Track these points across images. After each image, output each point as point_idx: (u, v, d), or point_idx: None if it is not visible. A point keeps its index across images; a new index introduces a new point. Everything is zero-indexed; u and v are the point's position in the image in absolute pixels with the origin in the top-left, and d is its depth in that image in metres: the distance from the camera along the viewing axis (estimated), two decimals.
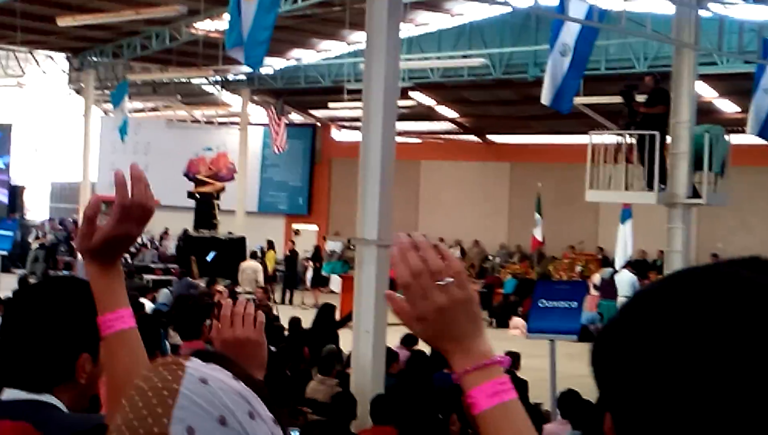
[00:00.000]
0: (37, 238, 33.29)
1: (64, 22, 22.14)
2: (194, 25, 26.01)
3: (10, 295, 2.76)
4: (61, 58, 32.36)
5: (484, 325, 1.69)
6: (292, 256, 29.77)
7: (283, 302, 27.06)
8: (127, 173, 2.19)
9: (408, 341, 13.62)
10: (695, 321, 1.14)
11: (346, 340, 13.27)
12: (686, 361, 1.13)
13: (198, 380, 1.42)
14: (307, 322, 16.25)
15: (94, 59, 30.81)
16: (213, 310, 18.18)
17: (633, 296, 1.26)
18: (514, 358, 12.48)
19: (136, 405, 1.41)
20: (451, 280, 1.62)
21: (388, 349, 11.56)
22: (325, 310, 16.23)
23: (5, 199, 36.02)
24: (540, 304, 11.50)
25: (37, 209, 39.91)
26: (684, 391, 1.13)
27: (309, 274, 30.29)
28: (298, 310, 24.24)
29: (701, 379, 1.12)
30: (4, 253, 18.95)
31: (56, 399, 2.42)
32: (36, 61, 32.23)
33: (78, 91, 34.23)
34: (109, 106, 32.98)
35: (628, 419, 1.19)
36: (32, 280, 21.17)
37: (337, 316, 16.61)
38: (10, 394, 2.41)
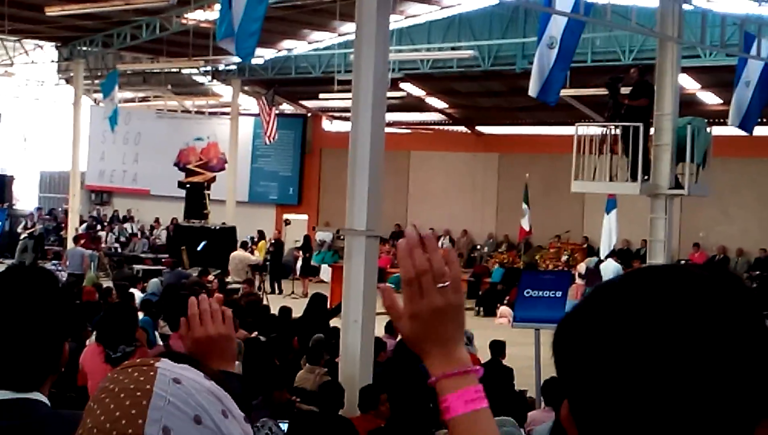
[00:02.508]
0: (25, 227, 33.31)
1: (53, 11, 22.12)
2: (185, 15, 26.01)
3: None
4: (50, 47, 32.28)
5: (464, 333, 1.73)
6: (278, 246, 29.82)
7: (273, 292, 27.18)
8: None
9: (392, 330, 13.77)
10: (647, 313, 1.19)
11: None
12: (637, 351, 1.17)
13: (171, 380, 1.42)
14: (297, 312, 16.38)
15: (84, 49, 30.73)
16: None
17: (593, 289, 1.30)
18: (500, 346, 12.68)
19: (107, 407, 1.39)
20: (449, 283, 1.65)
21: (377, 339, 11.70)
22: (317, 300, 16.35)
23: None
24: (526, 294, 11.69)
25: (26, 199, 39.88)
26: (635, 379, 1.17)
27: (299, 264, 30.40)
28: (288, 299, 24.36)
29: (651, 367, 1.17)
30: None
31: (42, 395, 2.37)
32: (25, 50, 32.16)
33: (67, 81, 34.18)
34: (99, 95, 32.94)
35: (583, 405, 1.23)
36: None
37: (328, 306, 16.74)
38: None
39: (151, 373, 1.42)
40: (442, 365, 1.65)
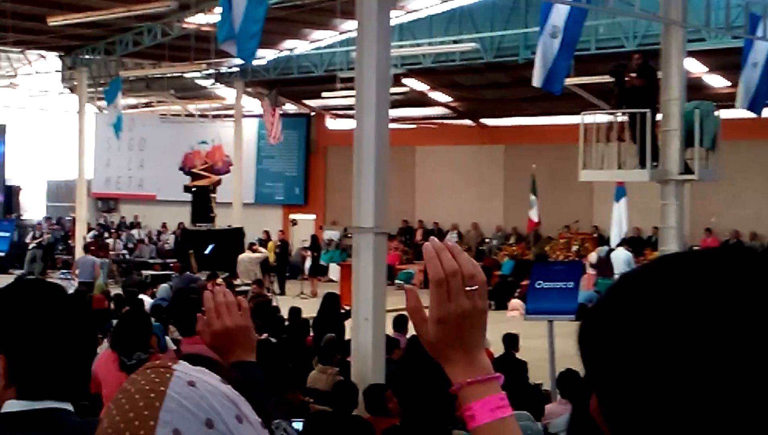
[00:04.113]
0: (34, 237, 33.28)
1: (55, 21, 22.10)
2: (186, 19, 25.98)
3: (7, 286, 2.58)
4: (53, 57, 32.29)
5: (485, 339, 1.71)
6: (283, 246, 29.76)
7: (282, 293, 27.10)
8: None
9: (399, 326, 13.67)
10: (678, 303, 1.15)
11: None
12: (669, 343, 1.13)
13: (186, 383, 1.42)
14: (306, 312, 16.30)
15: (87, 57, 30.75)
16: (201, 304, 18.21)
17: (618, 279, 1.26)
18: (513, 339, 12.58)
19: (122, 407, 1.41)
20: (477, 287, 1.64)
21: (388, 336, 11.61)
22: (330, 300, 16.28)
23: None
24: (537, 286, 11.58)
25: (33, 209, 39.90)
26: (666, 372, 1.13)
27: (307, 264, 30.34)
28: (297, 300, 24.29)
29: (683, 361, 1.12)
30: (2, 253, 18.94)
31: (71, 405, 2.39)
32: (28, 60, 32.18)
33: (71, 90, 34.19)
34: (102, 103, 32.94)
35: (613, 400, 1.20)
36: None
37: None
38: (41, 404, 2.32)
39: (167, 375, 1.43)
40: (466, 372, 1.64)
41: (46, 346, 2.34)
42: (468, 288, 1.62)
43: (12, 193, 37.18)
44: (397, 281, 27.18)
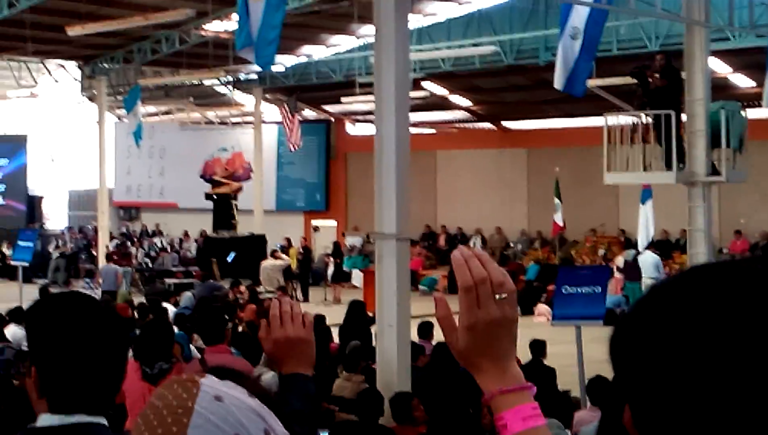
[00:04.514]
0: (57, 247, 33.39)
1: (74, 31, 22.11)
2: (203, 26, 25.99)
3: (31, 303, 2.62)
4: (72, 66, 32.40)
5: (515, 348, 1.68)
6: (306, 253, 29.72)
7: (306, 299, 27.02)
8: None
9: (424, 333, 13.54)
10: (712, 314, 1.13)
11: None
12: (702, 359, 1.12)
13: (213, 398, 1.43)
14: (330, 319, 16.20)
15: (106, 66, 30.84)
16: (237, 312, 18.08)
17: (649, 289, 1.25)
18: (540, 346, 12.41)
19: (150, 423, 1.42)
20: (506, 295, 1.61)
21: (413, 343, 11.50)
22: (355, 307, 16.18)
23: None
24: (564, 291, 11.43)
25: (55, 218, 40.03)
26: (700, 385, 1.12)
27: (330, 270, 30.27)
28: (321, 306, 24.19)
29: (717, 373, 1.11)
30: (25, 264, 18.96)
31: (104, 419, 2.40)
32: (48, 70, 32.29)
33: (91, 99, 34.28)
34: (122, 111, 33.04)
35: (646, 414, 1.19)
36: (54, 290, 21.24)
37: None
38: (74, 418, 2.32)
39: (194, 390, 1.44)
40: (497, 381, 1.62)
41: (75, 359, 2.33)
42: (497, 296, 1.60)
43: (34, 203, 37.33)
44: (420, 287, 27.07)
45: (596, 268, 15.13)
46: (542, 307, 22.78)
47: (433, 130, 33.56)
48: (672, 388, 1.14)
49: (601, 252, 26.94)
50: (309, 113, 36.05)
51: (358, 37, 28.58)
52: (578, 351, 11.31)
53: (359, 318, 15.63)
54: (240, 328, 15.19)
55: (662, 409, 1.16)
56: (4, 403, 7.65)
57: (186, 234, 35.78)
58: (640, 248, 22.55)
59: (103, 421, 2.36)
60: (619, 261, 24.35)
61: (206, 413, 1.41)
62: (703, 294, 1.15)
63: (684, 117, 15.48)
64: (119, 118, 36.12)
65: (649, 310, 1.20)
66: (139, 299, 20.45)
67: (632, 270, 22.71)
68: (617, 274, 23.54)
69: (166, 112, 38.70)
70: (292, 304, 2.65)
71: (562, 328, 11.99)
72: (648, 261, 21.80)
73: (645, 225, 21.12)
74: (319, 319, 16.09)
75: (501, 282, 1.61)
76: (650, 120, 15.82)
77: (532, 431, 1.59)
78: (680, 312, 1.15)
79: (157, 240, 35.43)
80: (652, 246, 22.22)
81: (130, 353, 9.03)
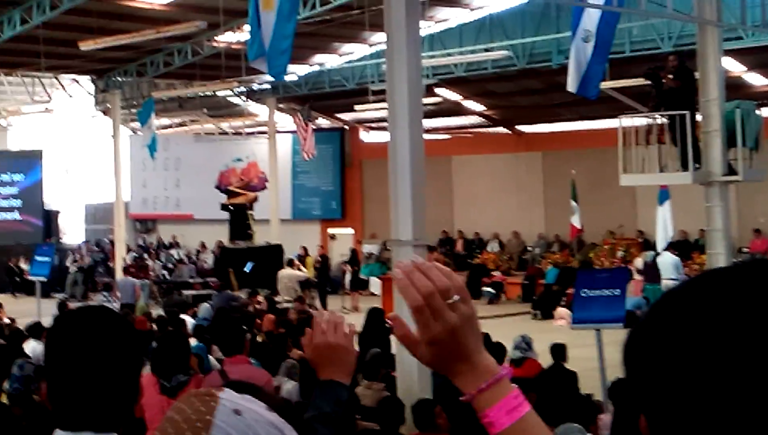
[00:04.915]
0: (74, 261, 33.48)
1: (87, 45, 22.19)
2: (215, 38, 26.05)
3: (52, 320, 2.65)
4: (86, 80, 32.55)
5: (482, 338, 1.66)
6: (324, 261, 29.72)
7: (324, 308, 27.00)
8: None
9: None
10: (730, 320, 1.11)
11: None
12: (720, 362, 1.10)
13: (232, 411, 1.43)
14: None
15: (119, 79, 30.97)
16: (255, 322, 18.03)
17: (662, 296, 1.23)
18: (561, 350, 12.35)
19: None
20: (458, 297, 1.58)
21: None
22: (374, 315, 16.16)
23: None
24: (583, 294, 11.37)
25: (72, 232, 40.15)
26: (718, 393, 1.10)
27: (347, 278, 30.27)
28: None
29: (736, 381, 1.09)
30: (43, 278, 18.99)
31: None
32: (62, 85, 32.43)
33: (105, 112, 34.41)
34: (136, 124, 33.13)
35: (662, 420, 1.17)
36: (72, 304, 21.28)
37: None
38: None
39: (213, 404, 1.44)
40: (473, 380, 1.60)
41: (82, 376, 2.31)
42: (449, 301, 1.57)
43: (51, 217, 37.41)
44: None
45: (615, 271, 15.01)
46: (562, 311, 22.71)
47: (447, 136, 33.54)
48: (688, 396, 1.12)
49: (620, 254, 26.84)
50: (323, 121, 36.09)
51: (370, 45, 28.61)
52: (599, 354, 11.25)
53: (378, 325, 15.60)
54: (259, 339, 15.20)
55: (679, 417, 1.14)
56: (26, 419, 7.66)
57: (203, 245, 35.83)
58: (659, 249, 22.44)
59: None
60: (639, 263, 24.23)
61: (226, 426, 1.40)
62: (719, 299, 1.13)
63: (699, 117, 15.42)
64: (133, 131, 36.23)
65: (664, 316, 1.18)
66: (157, 312, 20.47)
67: (652, 271, 22.59)
68: (637, 276, 23.43)
69: (180, 124, 38.80)
70: (335, 315, 2.73)
71: (582, 332, 11.93)
72: (667, 262, 21.70)
73: (663, 226, 21.03)
74: None
75: (447, 287, 1.57)
76: (665, 121, 15.77)
77: (520, 423, 1.57)
78: (696, 318, 1.13)
79: (174, 252, 35.50)
80: (671, 247, 22.11)
81: (148, 367, 9.05)
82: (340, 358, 2.65)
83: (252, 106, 35.45)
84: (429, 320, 1.57)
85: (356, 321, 16.20)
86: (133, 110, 32.59)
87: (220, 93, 33.66)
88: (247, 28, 17.11)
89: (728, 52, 18.48)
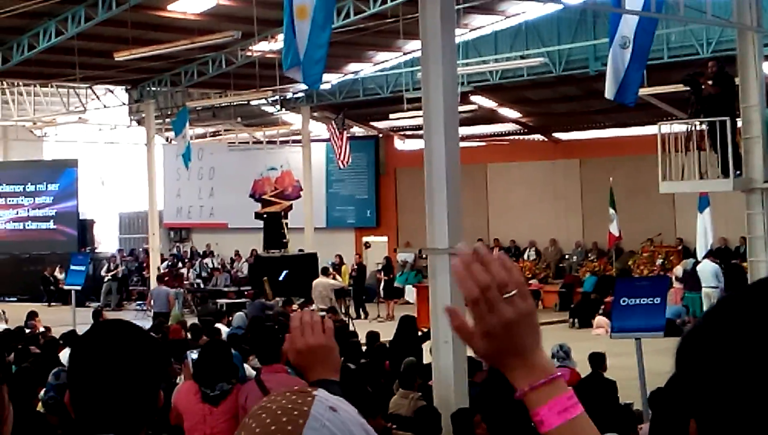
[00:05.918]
0: (108, 270, 33.63)
1: (122, 56, 22.29)
2: (249, 47, 26.08)
3: (87, 329, 2.71)
4: (120, 90, 32.73)
5: (541, 337, 1.65)
6: (360, 270, 29.66)
7: (358, 317, 26.93)
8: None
9: None
10: None
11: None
12: None
13: (327, 407, 1.51)
14: (383, 336, 16.07)
15: (153, 89, 31.12)
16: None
17: (717, 303, 1.23)
18: (600, 358, 12.21)
19: (263, 421, 1.47)
20: (516, 291, 1.58)
21: (470, 358, 11.36)
22: (406, 323, 16.05)
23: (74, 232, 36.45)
24: (622, 303, 11.25)
25: (106, 241, 40.35)
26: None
27: (382, 287, 30.19)
28: (374, 323, 24.09)
29: None
30: (78, 287, 19.06)
31: None
32: (96, 95, 32.61)
33: (139, 122, 34.60)
34: (170, 134, 33.29)
35: (714, 426, 1.17)
36: (107, 313, 21.33)
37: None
38: None
39: (309, 398, 1.51)
40: (526, 377, 1.60)
41: (99, 386, 2.39)
42: (506, 295, 1.57)
43: (86, 227, 37.61)
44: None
45: (655, 279, 14.89)
46: (601, 320, 22.51)
47: (483, 143, 33.40)
48: (743, 402, 1.12)
49: (659, 262, 26.60)
50: (357, 130, 36.07)
51: (404, 53, 28.56)
52: (639, 363, 11.12)
53: (410, 334, 15.51)
54: None
55: (731, 423, 1.14)
56: (62, 427, 7.62)
57: (237, 254, 35.89)
58: (699, 257, 22.19)
59: None
60: (678, 271, 23.99)
61: (322, 419, 1.46)
62: None
63: (739, 123, 15.24)
64: (168, 141, 36.39)
65: (719, 323, 1.18)
66: (192, 320, 20.49)
67: (692, 279, 22.36)
68: (676, 284, 23.19)
69: (214, 133, 38.91)
70: (312, 315, 2.71)
71: (621, 340, 11.79)
72: (707, 270, 21.46)
73: (703, 233, 20.79)
74: (373, 336, 15.99)
75: (505, 281, 1.57)
76: (705, 127, 15.59)
77: (570, 423, 1.57)
78: (755, 324, 1.13)
79: (208, 261, 35.58)
80: (710, 254, 21.85)
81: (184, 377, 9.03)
82: (325, 357, 2.63)
83: (286, 115, 35.50)
84: (484, 312, 1.58)
85: (391, 330, 16.16)
86: (168, 120, 32.73)
87: (254, 102, 33.73)
88: (281, 37, 17.10)
89: None
